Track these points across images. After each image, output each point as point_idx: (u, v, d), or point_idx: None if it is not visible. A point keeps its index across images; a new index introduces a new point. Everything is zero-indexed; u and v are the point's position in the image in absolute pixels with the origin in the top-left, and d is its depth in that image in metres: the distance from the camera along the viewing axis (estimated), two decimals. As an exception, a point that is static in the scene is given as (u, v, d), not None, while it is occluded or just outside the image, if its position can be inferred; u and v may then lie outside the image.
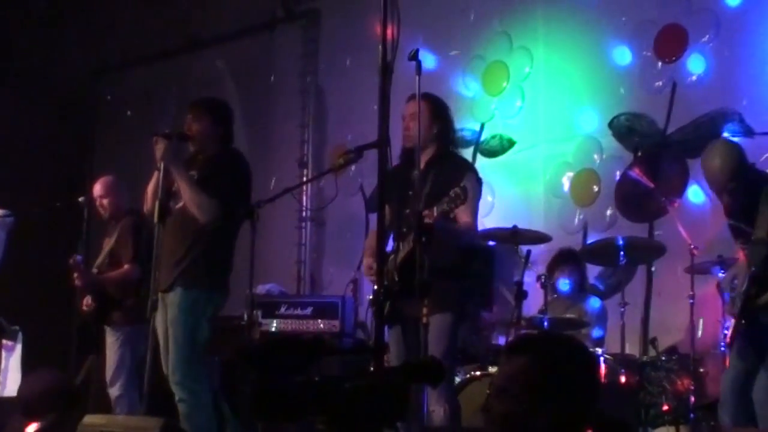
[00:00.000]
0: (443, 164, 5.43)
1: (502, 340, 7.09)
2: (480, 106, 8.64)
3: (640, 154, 7.70)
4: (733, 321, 5.44)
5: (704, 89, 7.52)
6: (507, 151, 8.46)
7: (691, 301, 6.19)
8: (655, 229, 7.47)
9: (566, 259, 7.32)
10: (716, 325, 6.18)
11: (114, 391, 6.90)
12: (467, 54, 8.80)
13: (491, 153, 8.50)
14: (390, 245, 5.25)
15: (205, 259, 5.72)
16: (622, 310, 6.57)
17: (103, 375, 7.01)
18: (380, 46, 3.71)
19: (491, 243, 7.34)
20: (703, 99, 7.44)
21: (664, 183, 7.30)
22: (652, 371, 6.38)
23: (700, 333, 6.42)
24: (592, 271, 7.63)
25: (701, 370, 6.24)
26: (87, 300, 7.06)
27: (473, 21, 8.82)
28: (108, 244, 7.19)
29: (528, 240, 6.78)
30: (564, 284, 7.27)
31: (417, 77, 4.83)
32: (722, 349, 5.86)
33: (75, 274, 7.01)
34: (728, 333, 5.47)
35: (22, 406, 5.63)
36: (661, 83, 7.71)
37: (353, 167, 8.25)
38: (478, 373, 6.54)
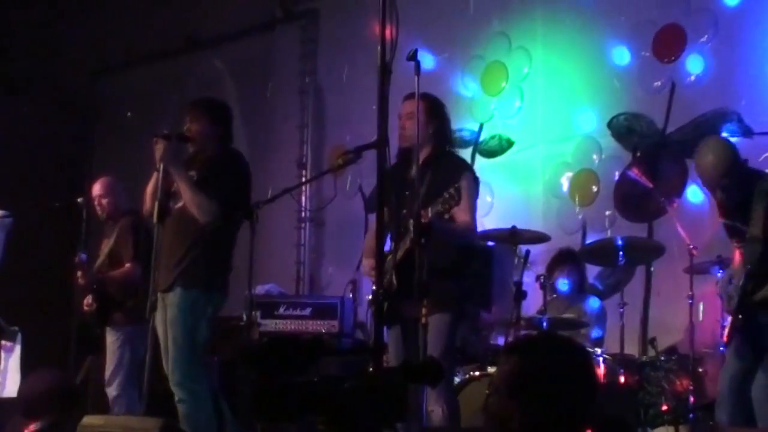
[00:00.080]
0: (440, 164, 5.41)
1: (501, 341, 7.09)
2: (479, 106, 8.64)
3: (639, 154, 7.71)
4: (730, 319, 5.44)
5: (703, 89, 7.52)
6: (506, 151, 8.46)
7: (690, 301, 6.19)
8: (654, 229, 7.47)
9: (565, 260, 7.32)
10: (715, 326, 6.18)
11: (112, 391, 6.90)
12: (466, 54, 8.80)
13: (490, 153, 8.51)
14: (387, 245, 5.25)
15: (205, 260, 5.72)
16: (621, 310, 6.57)
17: (103, 375, 7.01)
18: (379, 47, 3.71)
19: (490, 243, 7.34)
20: (702, 99, 7.44)
21: (663, 183, 7.31)
22: (652, 371, 6.38)
23: (699, 333, 6.42)
24: (591, 271, 7.63)
25: (700, 370, 6.24)
26: (88, 300, 7.06)
27: (472, 21, 8.82)
28: (107, 245, 7.18)
29: (527, 240, 6.78)
30: (563, 284, 7.27)
31: (416, 77, 4.83)
32: (721, 349, 5.86)
33: (78, 273, 7.00)
34: (725, 331, 5.47)
35: (23, 406, 5.64)
36: (659, 83, 7.71)
37: (352, 167, 8.25)
38: (477, 373, 6.54)
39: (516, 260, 6.87)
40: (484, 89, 8.62)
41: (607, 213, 7.81)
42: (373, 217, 6.45)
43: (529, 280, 6.81)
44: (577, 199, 8.02)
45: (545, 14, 8.44)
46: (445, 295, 5.20)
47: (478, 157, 8.49)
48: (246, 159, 6.06)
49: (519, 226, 6.73)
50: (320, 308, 7.71)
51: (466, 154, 8.05)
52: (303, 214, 9.66)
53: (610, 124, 7.82)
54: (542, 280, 6.85)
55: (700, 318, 6.63)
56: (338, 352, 5.24)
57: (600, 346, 6.78)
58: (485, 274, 7.44)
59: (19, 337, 7.81)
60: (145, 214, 6.05)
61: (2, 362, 7.72)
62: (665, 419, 6.20)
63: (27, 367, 7.38)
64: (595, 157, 7.98)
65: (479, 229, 6.24)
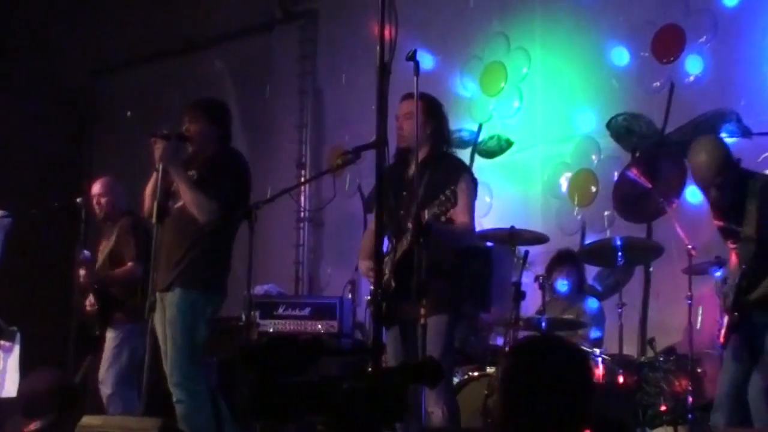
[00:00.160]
0: (438, 165, 5.39)
1: (500, 341, 7.09)
2: (478, 106, 8.64)
3: (638, 154, 7.71)
4: (726, 319, 5.44)
5: (702, 90, 7.53)
6: (505, 151, 8.46)
7: (689, 301, 6.19)
8: (653, 229, 7.47)
9: (564, 260, 7.32)
10: (714, 326, 6.17)
11: (105, 389, 6.88)
12: (465, 54, 8.80)
13: (489, 153, 8.51)
14: (385, 246, 5.24)
15: (204, 260, 5.72)
16: (620, 310, 6.57)
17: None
18: (378, 47, 3.72)
19: (489, 243, 7.34)
20: (701, 99, 7.45)
21: (662, 183, 7.30)
22: (650, 372, 6.38)
23: (697, 334, 6.42)
24: (590, 271, 7.63)
25: (699, 370, 6.24)
26: (90, 301, 7.05)
27: (471, 22, 8.82)
28: (106, 246, 7.18)
29: (526, 240, 6.78)
30: (562, 285, 7.27)
31: (415, 78, 4.83)
32: (720, 349, 5.86)
33: (81, 271, 6.98)
34: (722, 332, 5.47)
35: (22, 405, 5.64)
36: (658, 84, 7.71)
37: (351, 168, 8.24)
38: (476, 373, 6.55)
39: (515, 261, 6.87)
40: (483, 89, 8.62)
41: (606, 213, 7.82)
42: (372, 218, 6.45)
43: (527, 280, 6.81)
44: (576, 199, 8.02)
45: (544, 14, 8.44)
46: (443, 296, 5.20)
47: (477, 157, 8.49)
48: (245, 159, 6.06)
49: (518, 227, 6.72)
50: (319, 308, 7.71)
51: (465, 154, 8.05)
52: (302, 214, 9.66)
53: (609, 125, 7.82)
54: (541, 281, 6.86)
55: (699, 318, 6.63)
56: (337, 352, 5.23)
57: (599, 347, 6.78)
58: (484, 274, 7.44)
59: (18, 337, 7.81)
60: (144, 214, 6.05)
61: (1, 362, 7.71)
62: (664, 420, 6.20)
63: (26, 367, 7.38)
64: (594, 157, 7.98)
65: (478, 229, 6.24)
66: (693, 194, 7.30)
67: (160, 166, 5.68)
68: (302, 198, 9.58)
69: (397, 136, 5.43)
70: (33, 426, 5.46)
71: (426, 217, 4.89)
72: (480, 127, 8.61)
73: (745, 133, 7.13)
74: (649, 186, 7.25)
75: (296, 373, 2.71)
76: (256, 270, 5.91)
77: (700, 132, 7.11)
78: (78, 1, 10.71)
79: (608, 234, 7.47)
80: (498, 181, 8.40)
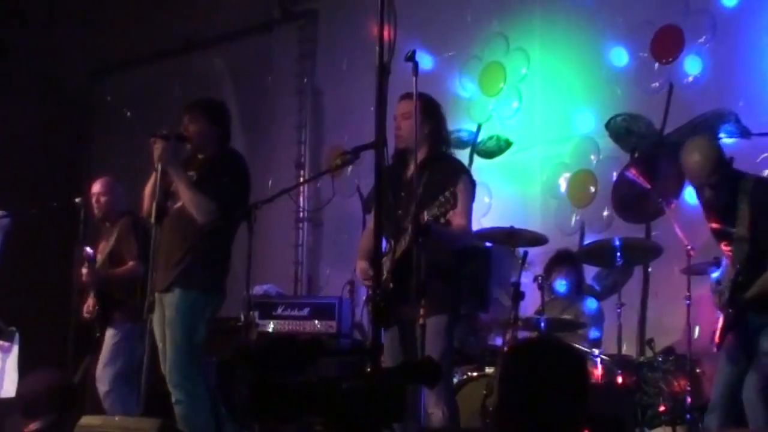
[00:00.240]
0: (437, 166, 5.38)
1: (499, 341, 7.09)
2: (477, 107, 8.64)
3: (636, 155, 7.71)
4: (721, 319, 5.44)
5: (701, 90, 7.53)
6: (504, 152, 8.46)
7: (688, 302, 6.20)
8: (652, 230, 7.47)
9: (563, 261, 7.32)
10: (713, 326, 6.18)
11: (102, 387, 6.87)
12: (464, 55, 8.80)
13: (488, 154, 8.51)
14: (383, 246, 5.24)
15: (204, 260, 5.72)
16: (619, 310, 6.56)
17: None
18: (377, 47, 3.72)
19: (488, 244, 7.34)
20: (700, 100, 7.45)
21: (660, 184, 7.30)
22: (649, 372, 6.38)
23: (696, 334, 6.42)
24: (589, 272, 7.62)
25: (698, 370, 6.24)
26: (88, 306, 7.04)
27: (470, 22, 8.82)
28: (105, 246, 7.17)
29: (525, 241, 6.77)
30: (561, 285, 7.28)
31: (414, 78, 4.83)
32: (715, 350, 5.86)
33: (84, 269, 6.97)
34: (717, 333, 5.47)
35: (21, 406, 5.64)
36: (657, 84, 7.72)
37: (350, 168, 8.25)
38: (475, 373, 6.55)
39: (514, 261, 6.87)
40: (482, 90, 8.62)
41: (605, 214, 7.82)
42: (371, 218, 6.44)
43: (526, 280, 6.81)
44: (575, 199, 8.02)
45: (543, 15, 8.44)
46: (442, 296, 5.20)
47: (476, 157, 8.49)
48: (244, 159, 6.06)
49: (517, 227, 6.72)
50: (318, 308, 7.72)
51: (464, 154, 8.07)
52: (301, 214, 9.66)
53: (608, 125, 7.82)
54: (540, 281, 6.86)
55: (698, 319, 6.63)
56: (336, 352, 5.24)
57: (598, 347, 6.78)
58: (483, 274, 7.45)
59: (16, 337, 7.81)
60: (143, 214, 6.05)
61: (0, 362, 7.72)
62: (663, 420, 6.20)
63: (25, 367, 7.38)
64: (593, 157, 7.98)
65: (477, 229, 6.24)
66: (692, 195, 7.26)
67: (159, 167, 5.68)
68: (301, 198, 9.58)
69: (395, 136, 5.43)
70: (32, 426, 5.45)
71: (426, 217, 4.89)
72: (479, 127, 8.60)
73: (744, 133, 7.13)
74: (648, 186, 7.25)
75: (295, 373, 2.71)
76: (255, 270, 5.92)
77: (699, 132, 7.11)
78: (78, 1, 10.70)
79: (607, 234, 7.46)
80: (497, 181, 8.40)
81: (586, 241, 7.69)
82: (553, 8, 8.38)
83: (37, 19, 10.56)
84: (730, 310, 5.36)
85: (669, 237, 6.79)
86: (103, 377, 6.91)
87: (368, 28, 7.94)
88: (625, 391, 6.35)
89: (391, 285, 5.14)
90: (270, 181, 9.07)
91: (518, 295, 6.45)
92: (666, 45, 7.65)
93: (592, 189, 7.91)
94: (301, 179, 9.53)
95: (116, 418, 5.97)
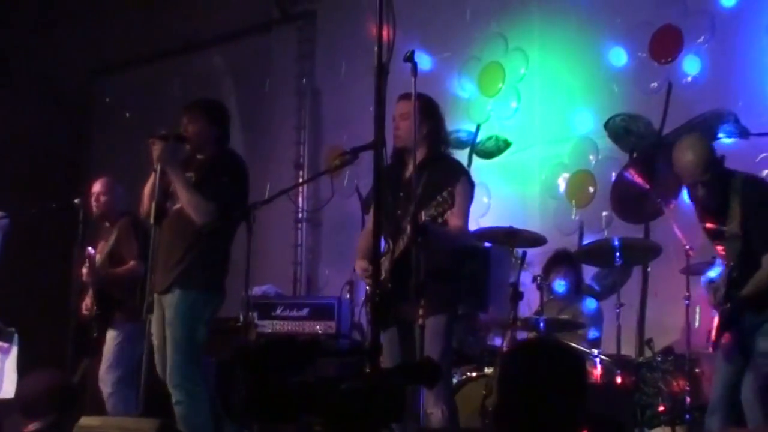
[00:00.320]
0: (436, 167, 5.38)
1: (498, 341, 7.09)
2: (476, 107, 8.65)
3: (635, 155, 7.72)
4: (716, 319, 5.44)
5: (700, 90, 7.53)
6: (503, 152, 8.47)
7: (687, 301, 6.20)
8: (651, 230, 7.48)
9: (561, 261, 7.33)
10: (712, 326, 6.19)
11: (106, 388, 6.87)
12: (463, 55, 8.81)
13: (487, 154, 8.51)
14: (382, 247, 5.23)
15: (203, 261, 5.71)
16: (618, 311, 6.56)
17: (98, 377, 7.00)
18: (376, 48, 3.72)
19: (487, 244, 7.34)
20: (699, 100, 7.45)
21: (659, 184, 7.30)
22: (648, 372, 6.38)
23: (695, 334, 6.42)
24: (588, 272, 7.63)
25: (697, 370, 6.24)
26: (87, 303, 7.04)
27: (469, 22, 8.83)
28: (104, 246, 7.16)
29: (524, 241, 6.78)
30: (560, 285, 7.28)
31: (413, 78, 4.83)
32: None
33: (84, 269, 6.97)
34: (712, 332, 5.47)
35: (21, 406, 5.63)
36: (656, 84, 7.72)
37: (349, 168, 8.25)
38: (474, 374, 6.55)
39: (513, 261, 6.87)
40: (481, 90, 8.63)
41: (604, 214, 7.82)
42: (370, 218, 6.44)
43: (525, 280, 6.81)
44: (573, 200, 8.02)
45: (542, 15, 8.45)
46: (441, 297, 5.21)
47: (475, 158, 8.49)
48: (243, 160, 6.06)
49: (516, 227, 6.73)
50: (317, 309, 7.71)
51: (463, 155, 8.07)
52: (300, 214, 9.66)
53: (607, 125, 7.82)
54: (539, 281, 6.86)
55: (697, 319, 6.64)
56: (335, 353, 5.23)
57: (597, 347, 6.78)
58: (482, 275, 7.44)
59: (15, 337, 7.81)
60: (142, 214, 6.05)
61: (-1, 363, 7.72)
62: (662, 420, 6.20)
63: (24, 367, 7.38)
64: (592, 158, 7.99)
65: (476, 229, 6.23)
66: (691, 195, 7.31)
67: (158, 167, 5.68)
68: (300, 198, 9.58)
69: (394, 137, 5.43)
70: (32, 427, 5.45)
71: (423, 217, 4.89)
72: (478, 127, 8.61)
73: (743, 133, 7.14)
74: (647, 186, 7.25)
75: (294, 373, 2.71)
76: (254, 271, 5.91)
77: (698, 132, 7.12)
78: (77, 1, 10.70)
79: (606, 234, 7.47)
80: (496, 181, 8.40)
81: (585, 241, 7.69)
82: (552, 9, 8.38)
83: (37, 18, 10.55)
84: (726, 306, 5.35)
85: (668, 237, 6.79)
86: (106, 379, 6.90)
87: (367, 29, 7.94)
88: (624, 391, 6.36)
89: (390, 285, 5.14)
90: (269, 182, 9.06)
91: (517, 295, 6.45)
92: (665, 45, 7.66)
93: (591, 189, 7.92)
94: (300, 179, 9.53)
95: (115, 419, 5.98)
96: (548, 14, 8.39)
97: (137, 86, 11.05)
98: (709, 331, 5.55)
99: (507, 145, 8.45)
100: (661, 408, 6.24)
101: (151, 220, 5.65)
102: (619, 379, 6.41)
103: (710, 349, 5.58)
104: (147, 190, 5.86)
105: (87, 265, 6.95)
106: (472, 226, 5.82)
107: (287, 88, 9.98)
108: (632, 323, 7.21)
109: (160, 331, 5.73)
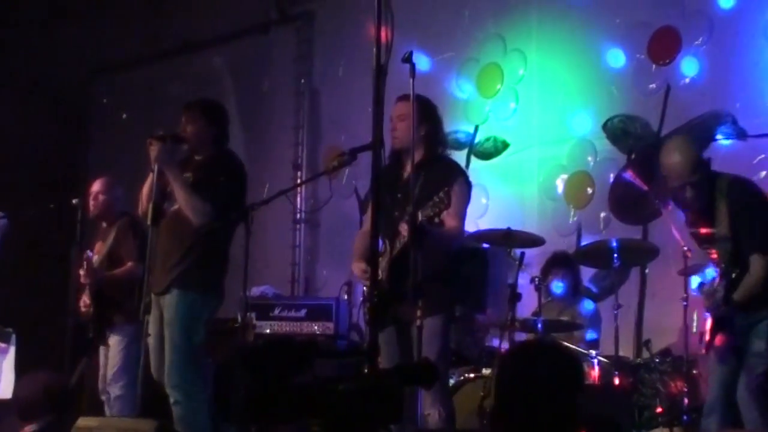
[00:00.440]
0: (433, 167, 5.39)
1: (495, 342, 7.09)
2: (474, 108, 8.65)
3: (633, 156, 7.72)
4: (709, 321, 5.44)
5: (698, 91, 7.54)
6: (501, 153, 8.47)
7: (685, 303, 6.19)
8: (649, 231, 7.48)
9: (559, 262, 7.33)
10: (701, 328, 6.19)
11: (115, 391, 6.84)
12: (461, 56, 8.81)
13: (485, 155, 8.51)
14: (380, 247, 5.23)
15: (201, 262, 5.70)
16: (616, 312, 6.56)
17: (96, 377, 6.99)
18: (374, 49, 3.72)
19: (485, 245, 7.34)
20: (697, 101, 7.46)
21: (657, 185, 7.29)
22: (646, 373, 6.38)
23: (693, 335, 6.42)
24: (586, 273, 7.63)
25: (694, 372, 6.23)
26: (85, 300, 7.03)
27: (467, 23, 8.83)
28: (102, 246, 7.15)
29: (522, 242, 6.78)
30: (557, 287, 7.28)
31: (411, 79, 4.83)
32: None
33: (82, 271, 6.96)
34: (706, 334, 5.47)
35: (18, 408, 5.62)
36: (654, 85, 7.72)
37: (347, 169, 8.25)
38: (472, 375, 6.56)
39: (511, 262, 6.87)
40: (479, 91, 8.63)
41: (602, 215, 7.82)
42: (367, 219, 6.44)
43: (523, 282, 6.81)
44: (572, 201, 8.02)
45: (540, 16, 8.45)
46: (439, 297, 5.21)
47: (473, 159, 8.50)
48: (241, 160, 6.06)
49: (514, 228, 6.73)
50: (315, 310, 7.70)
51: (461, 156, 8.08)
52: (298, 215, 9.66)
53: (605, 127, 7.82)
54: (537, 282, 6.86)
55: (695, 320, 6.64)
56: (333, 353, 5.24)
57: (595, 348, 6.78)
58: (479, 276, 7.44)
59: (13, 338, 7.80)
60: (140, 215, 6.04)
61: (-3, 364, 7.72)
62: (660, 421, 6.20)
63: (22, 368, 7.37)
64: (590, 159, 7.99)
65: (473, 230, 6.23)
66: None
67: (156, 168, 5.67)
68: (298, 199, 9.58)
69: (392, 138, 5.43)
70: (29, 428, 5.44)
71: (420, 217, 4.90)
72: (476, 128, 8.61)
73: (741, 135, 7.14)
74: (645, 188, 7.25)
75: (292, 374, 2.71)
76: (252, 271, 5.91)
77: (696, 134, 7.12)
78: (76, 1, 10.70)
79: (604, 236, 7.47)
80: (494, 182, 8.41)
81: (583, 243, 7.69)
82: (550, 10, 8.38)
83: (35, 19, 10.55)
84: (724, 308, 5.35)
85: (666, 238, 6.79)
86: (117, 381, 6.85)
87: (365, 30, 7.92)
88: (622, 392, 6.36)
89: (387, 286, 5.14)
90: (267, 182, 9.06)
91: (515, 297, 6.45)
92: (663, 46, 7.66)
93: (589, 190, 7.92)
94: (298, 180, 9.53)
95: (113, 420, 5.98)
96: (547, 15, 8.40)
97: (136, 86, 11.05)
98: (702, 334, 5.55)
99: (505, 146, 8.45)
100: (659, 409, 6.24)
101: (149, 221, 5.64)
102: (616, 381, 6.41)
103: (703, 351, 5.58)
104: (145, 190, 5.86)
105: (85, 267, 6.94)
106: (470, 227, 5.82)
107: (286, 89, 9.99)
108: (630, 324, 7.22)
109: (157, 331, 5.72)
